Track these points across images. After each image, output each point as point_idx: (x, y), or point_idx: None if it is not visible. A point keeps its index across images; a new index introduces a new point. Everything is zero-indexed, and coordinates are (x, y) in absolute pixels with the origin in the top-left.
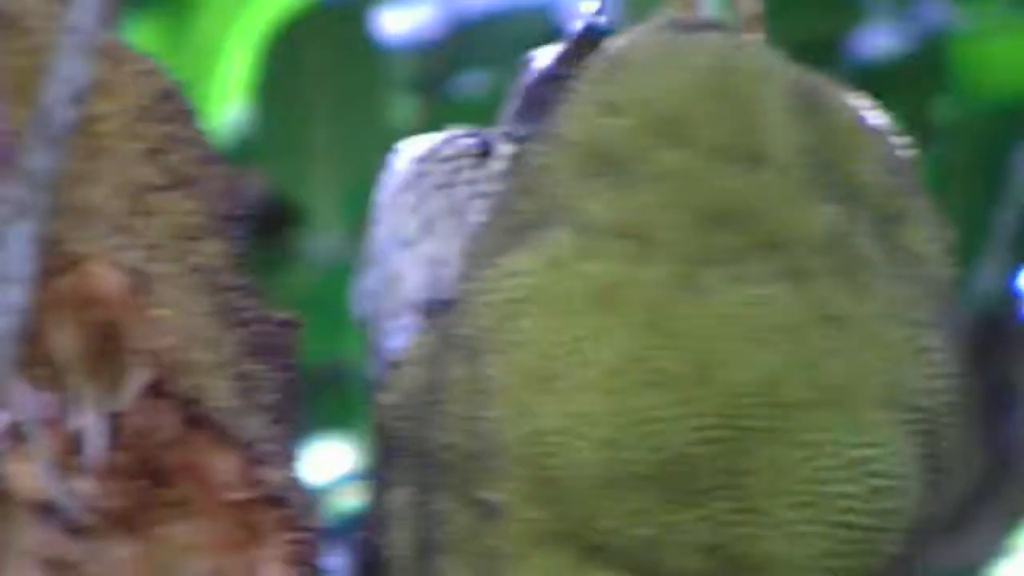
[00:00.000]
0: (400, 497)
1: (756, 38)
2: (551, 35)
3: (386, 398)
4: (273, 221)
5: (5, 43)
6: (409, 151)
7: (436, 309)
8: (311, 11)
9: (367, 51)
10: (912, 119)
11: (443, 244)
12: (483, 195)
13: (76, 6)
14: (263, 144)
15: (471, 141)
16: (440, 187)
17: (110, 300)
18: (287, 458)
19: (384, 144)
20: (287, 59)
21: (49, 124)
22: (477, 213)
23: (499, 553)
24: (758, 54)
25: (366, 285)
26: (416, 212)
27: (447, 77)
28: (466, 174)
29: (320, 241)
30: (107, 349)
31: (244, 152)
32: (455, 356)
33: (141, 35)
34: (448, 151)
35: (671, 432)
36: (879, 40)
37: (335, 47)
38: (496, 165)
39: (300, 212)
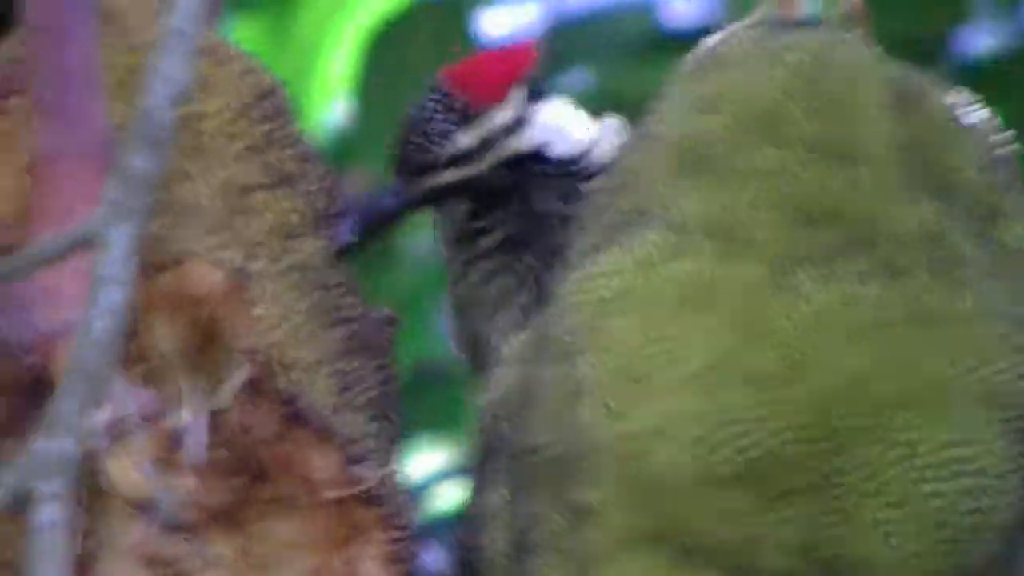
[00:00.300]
0: (496, 498)
1: (855, 35)
2: (652, 33)
3: (482, 399)
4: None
5: (106, 40)
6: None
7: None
8: (412, 9)
9: (468, 48)
10: (1014, 117)
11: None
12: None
13: (177, 8)
14: (363, 142)
15: None
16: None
17: (210, 298)
18: (385, 456)
19: None
20: (388, 56)
21: (150, 126)
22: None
23: (592, 554)
24: (855, 51)
25: (457, 333)
26: (493, 285)
27: (548, 75)
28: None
29: (417, 240)
30: (207, 347)
31: (344, 150)
32: (548, 356)
33: (243, 32)
34: None
35: (763, 432)
36: (982, 38)
37: (436, 44)
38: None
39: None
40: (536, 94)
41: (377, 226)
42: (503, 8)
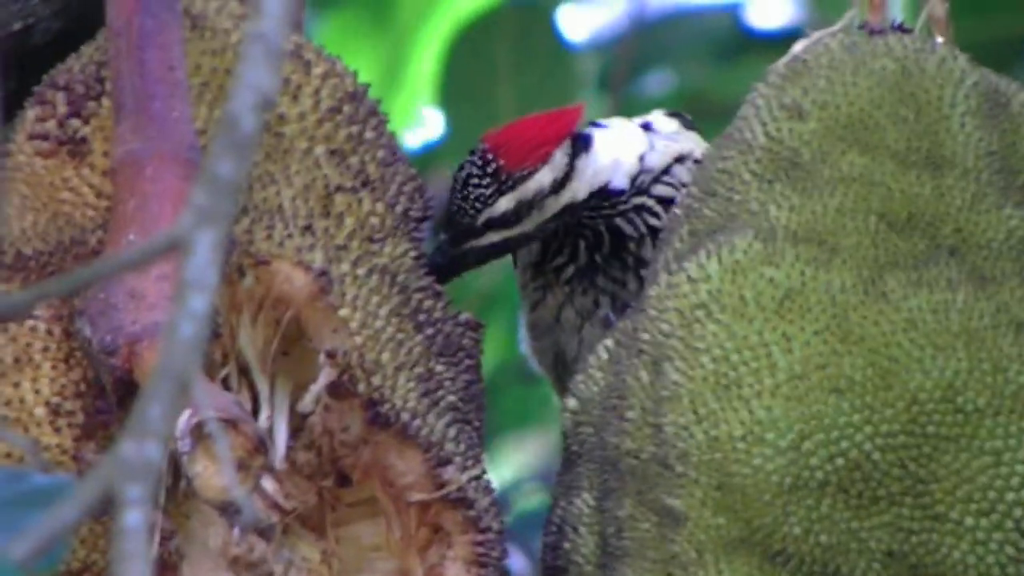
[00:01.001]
0: (583, 502)
1: (943, 41)
2: (736, 34)
3: (570, 403)
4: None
5: (191, 44)
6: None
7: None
8: (497, 9)
9: (553, 49)
10: None
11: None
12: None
13: (262, 13)
14: (448, 144)
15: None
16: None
17: (296, 300)
18: (471, 459)
19: None
20: (473, 58)
21: (234, 131)
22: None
23: (682, 560)
24: (943, 57)
25: (539, 352)
26: (571, 305)
27: (634, 75)
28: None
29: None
30: (291, 350)
31: (431, 151)
32: (638, 362)
33: (330, 35)
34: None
35: (854, 438)
36: None
37: (521, 45)
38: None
39: None
40: (580, 146)
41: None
42: (587, 8)
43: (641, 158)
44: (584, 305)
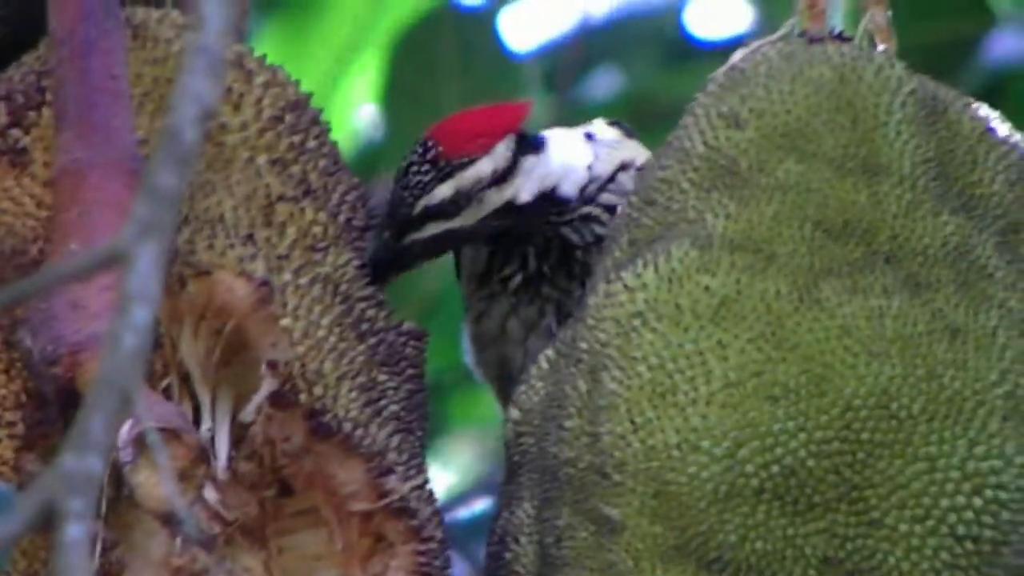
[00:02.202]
0: (524, 512)
1: (883, 49)
2: (678, 38)
3: (512, 414)
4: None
5: (133, 54)
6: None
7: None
8: (437, 13)
9: (496, 53)
10: None
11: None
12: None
13: (204, 24)
14: (389, 149)
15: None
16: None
17: (237, 310)
18: (413, 468)
19: None
20: (413, 62)
21: (176, 143)
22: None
23: (619, 569)
24: (880, 65)
25: (483, 363)
26: (516, 316)
27: (579, 78)
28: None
29: None
30: (232, 360)
31: (371, 156)
32: (576, 371)
33: (268, 41)
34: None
35: (789, 445)
36: (1011, 44)
37: (463, 49)
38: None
39: None
40: (527, 145)
41: (373, 277)
42: (529, 12)
43: (589, 167)
44: (529, 315)
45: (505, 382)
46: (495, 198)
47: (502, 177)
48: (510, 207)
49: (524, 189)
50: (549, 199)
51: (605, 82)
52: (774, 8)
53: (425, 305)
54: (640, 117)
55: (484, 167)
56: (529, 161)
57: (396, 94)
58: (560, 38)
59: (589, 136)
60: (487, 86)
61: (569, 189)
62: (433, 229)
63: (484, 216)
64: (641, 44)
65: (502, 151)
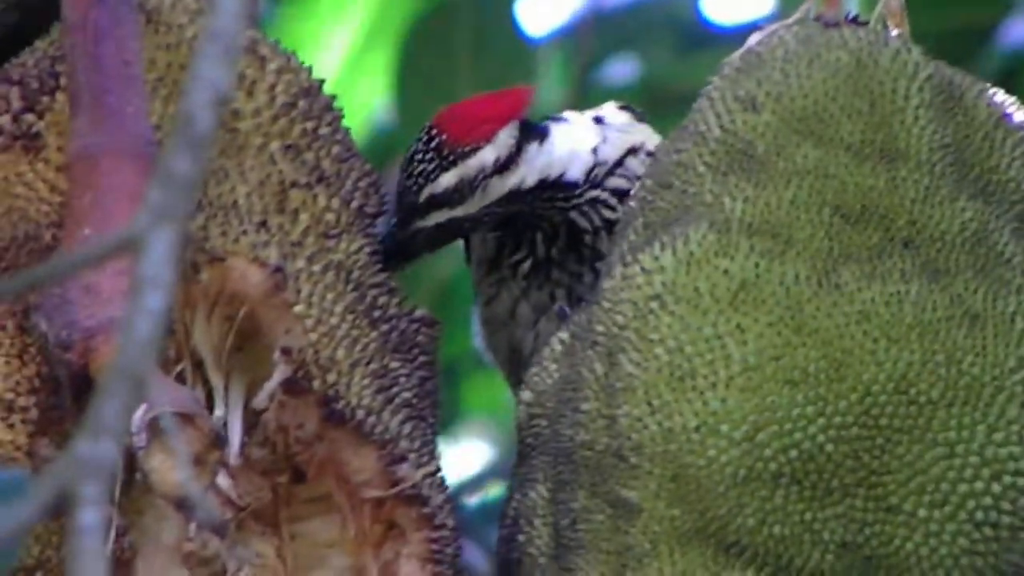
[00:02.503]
0: (537, 495)
1: (898, 34)
2: (693, 24)
3: (524, 396)
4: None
5: (146, 39)
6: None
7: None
8: (451, 0)
9: (511, 38)
10: None
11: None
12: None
13: (217, 9)
14: (402, 137)
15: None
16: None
17: (251, 297)
18: (424, 456)
19: None
20: (429, 47)
21: (190, 129)
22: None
23: (636, 551)
24: (897, 50)
25: (493, 346)
26: (526, 300)
27: (595, 64)
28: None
29: None
30: (245, 346)
31: (385, 143)
32: (592, 354)
33: (282, 27)
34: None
35: (807, 430)
36: None
37: (478, 34)
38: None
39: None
40: (531, 132)
41: (384, 265)
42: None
43: (595, 151)
44: (540, 300)
45: (515, 366)
46: (499, 186)
47: (505, 165)
48: (515, 194)
49: (528, 176)
50: (554, 185)
51: (621, 68)
52: None
53: (437, 291)
54: (655, 103)
55: (488, 155)
56: (533, 148)
57: (410, 80)
58: (576, 23)
59: (598, 120)
60: (502, 72)
61: (574, 174)
62: (438, 217)
63: (489, 204)
64: (657, 29)
65: (505, 138)
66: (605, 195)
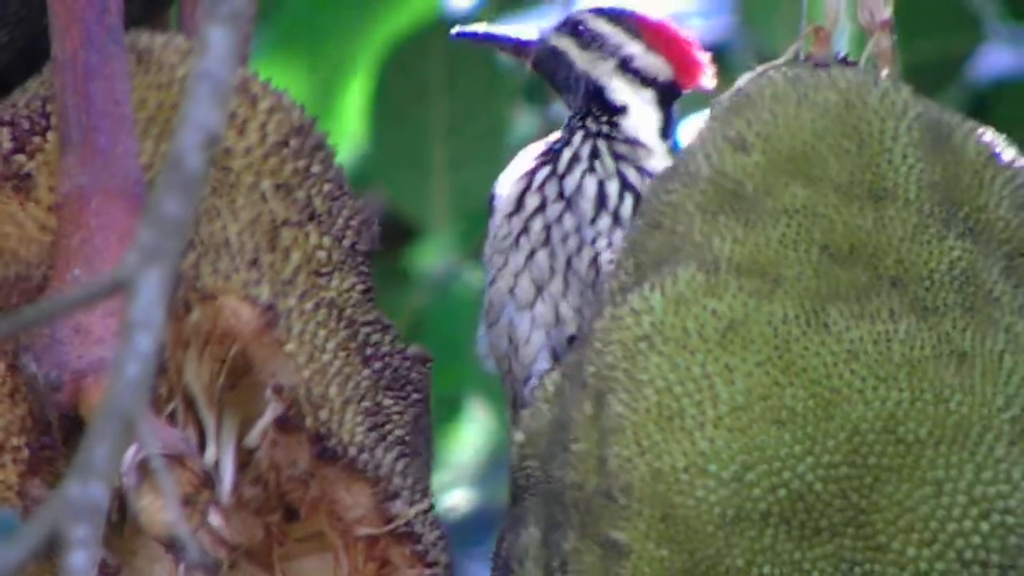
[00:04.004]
0: (529, 536)
1: (888, 73)
2: None
3: (517, 437)
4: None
5: (137, 78)
6: (508, 185)
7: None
8: (428, 27)
9: (484, 65)
10: None
11: (557, 304)
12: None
13: (207, 50)
14: (380, 160)
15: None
16: (542, 243)
17: (242, 335)
18: (419, 493)
19: (504, 158)
20: (403, 79)
21: (180, 170)
22: (584, 263)
23: None
24: (886, 90)
25: (491, 342)
26: (528, 272)
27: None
28: (565, 221)
29: (432, 260)
30: (237, 385)
31: (362, 169)
32: (582, 394)
33: (268, 64)
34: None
35: (796, 469)
36: (1001, 61)
37: (451, 62)
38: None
39: (413, 230)
40: (670, 97)
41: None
42: (520, 22)
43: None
44: (541, 270)
45: (512, 361)
46: (610, 73)
47: (635, 73)
48: (599, 89)
49: (622, 93)
50: (599, 98)
51: None
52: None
53: (413, 323)
54: None
55: (647, 59)
56: (652, 96)
57: (384, 110)
58: None
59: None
60: (475, 100)
61: (618, 100)
62: (567, 45)
63: (588, 74)
64: None
65: (660, 67)
66: (645, 159)
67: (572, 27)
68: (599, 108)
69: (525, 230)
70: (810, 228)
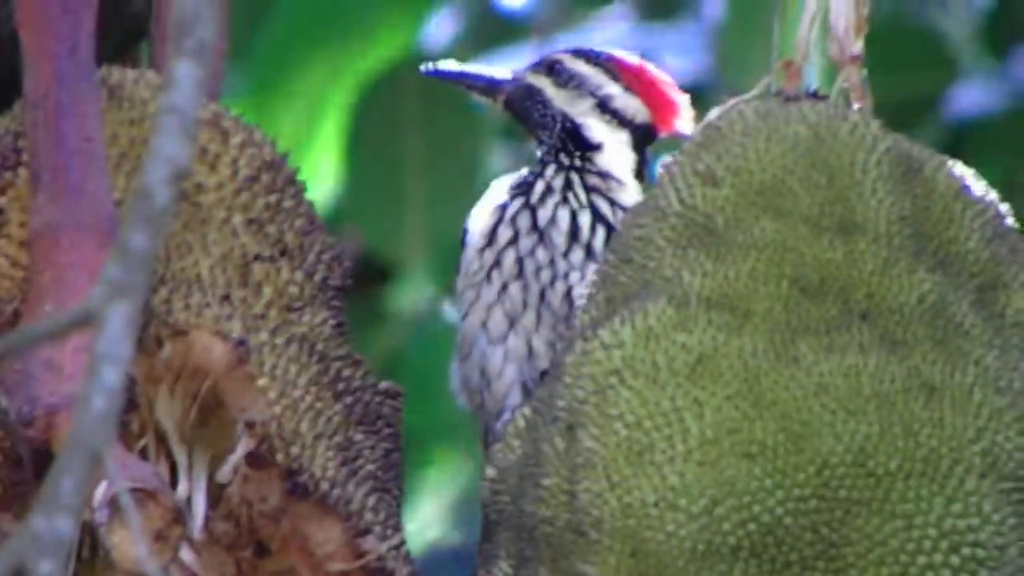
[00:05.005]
0: (500, 571)
1: (858, 108)
2: None
3: (488, 472)
4: (361, 278)
5: (109, 114)
6: (480, 219)
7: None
8: (401, 67)
9: (457, 105)
10: (1006, 175)
11: (529, 338)
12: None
13: (175, 85)
14: (355, 198)
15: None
16: (515, 277)
17: (214, 370)
18: (390, 528)
19: (479, 195)
20: (378, 113)
21: (147, 204)
22: (557, 297)
23: None
24: (856, 124)
25: (464, 376)
26: (501, 306)
27: None
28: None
29: (408, 298)
30: (209, 420)
31: (338, 208)
32: (553, 429)
33: (240, 100)
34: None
35: (766, 503)
36: (974, 97)
37: (426, 99)
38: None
39: (389, 268)
40: (644, 139)
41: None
42: (493, 60)
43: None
44: (514, 304)
45: (484, 395)
46: (588, 112)
47: (613, 114)
48: (575, 127)
49: (598, 132)
50: (575, 135)
51: None
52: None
53: (389, 361)
54: None
55: (624, 100)
56: (627, 138)
57: (359, 148)
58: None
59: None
60: (450, 139)
61: (594, 137)
62: (543, 83)
63: (559, 111)
64: None
65: (638, 109)
66: (617, 192)
67: (549, 67)
68: (574, 145)
69: (497, 263)
70: (780, 262)
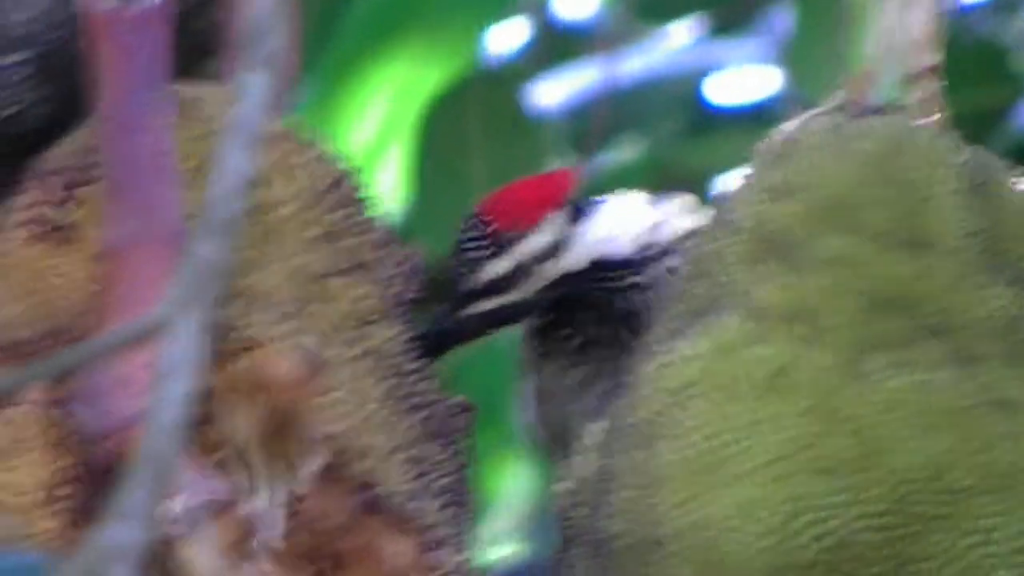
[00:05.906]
0: None
1: (929, 121)
2: (697, 105)
3: (565, 486)
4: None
5: (181, 128)
6: None
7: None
8: (463, 83)
9: (521, 119)
10: None
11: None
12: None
13: (242, 98)
14: (420, 219)
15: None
16: None
17: (285, 385)
18: (460, 542)
19: None
20: (440, 132)
21: (215, 215)
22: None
23: None
24: (929, 137)
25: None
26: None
27: (602, 143)
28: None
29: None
30: (282, 434)
31: (404, 227)
32: (627, 443)
33: (310, 113)
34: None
35: (838, 520)
36: None
37: (490, 117)
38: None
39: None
40: (579, 213)
41: (430, 349)
42: (555, 78)
43: (652, 228)
44: (584, 375)
45: (562, 447)
46: (552, 270)
47: (556, 249)
48: (568, 277)
49: (579, 258)
50: (605, 265)
51: (628, 148)
52: (803, 73)
53: (452, 374)
54: (662, 184)
55: (538, 241)
56: (582, 229)
57: (426, 163)
58: (585, 102)
59: (657, 200)
60: (512, 153)
61: (624, 251)
62: (488, 304)
63: (540, 288)
64: (665, 110)
65: (554, 222)
66: (650, 279)
67: (474, 292)
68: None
69: None
70: (851, 277)
